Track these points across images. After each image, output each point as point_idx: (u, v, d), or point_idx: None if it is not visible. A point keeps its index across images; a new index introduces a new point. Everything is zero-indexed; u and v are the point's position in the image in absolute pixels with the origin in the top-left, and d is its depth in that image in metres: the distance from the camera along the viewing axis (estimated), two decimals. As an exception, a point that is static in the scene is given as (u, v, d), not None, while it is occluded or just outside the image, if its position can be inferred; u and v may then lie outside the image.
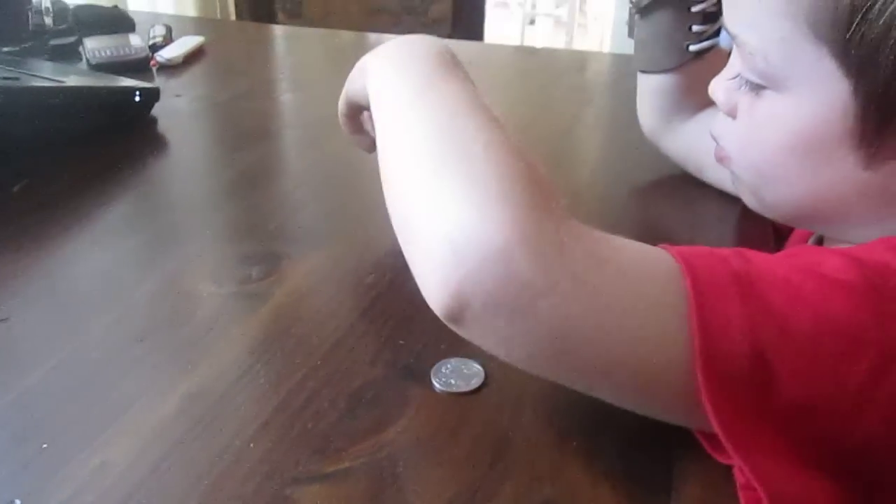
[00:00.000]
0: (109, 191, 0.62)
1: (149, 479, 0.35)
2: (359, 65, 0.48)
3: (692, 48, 0.60)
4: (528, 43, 3.53)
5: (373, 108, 0.44)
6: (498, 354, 0.35)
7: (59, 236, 0.54)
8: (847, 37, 0.36)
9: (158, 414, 0.38)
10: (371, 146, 0.55)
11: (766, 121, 0.43)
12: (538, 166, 0.35)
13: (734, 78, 0.45)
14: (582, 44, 3.36)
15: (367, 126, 0.54)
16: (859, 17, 0.35)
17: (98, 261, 0.52)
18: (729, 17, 0.44)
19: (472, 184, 0.33)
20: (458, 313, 0.32)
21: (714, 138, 0.50)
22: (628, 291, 0.33)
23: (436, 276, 0.33)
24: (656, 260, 0.34)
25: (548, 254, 0.31)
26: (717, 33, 0.60)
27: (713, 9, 0.59)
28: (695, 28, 0.60)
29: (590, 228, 0.34)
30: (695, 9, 0.60)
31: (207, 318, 0.46)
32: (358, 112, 0.53)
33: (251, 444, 0.37)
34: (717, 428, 0.31)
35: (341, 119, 0.54)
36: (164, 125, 0.75)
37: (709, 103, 0.62)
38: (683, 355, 0.31)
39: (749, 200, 0.49)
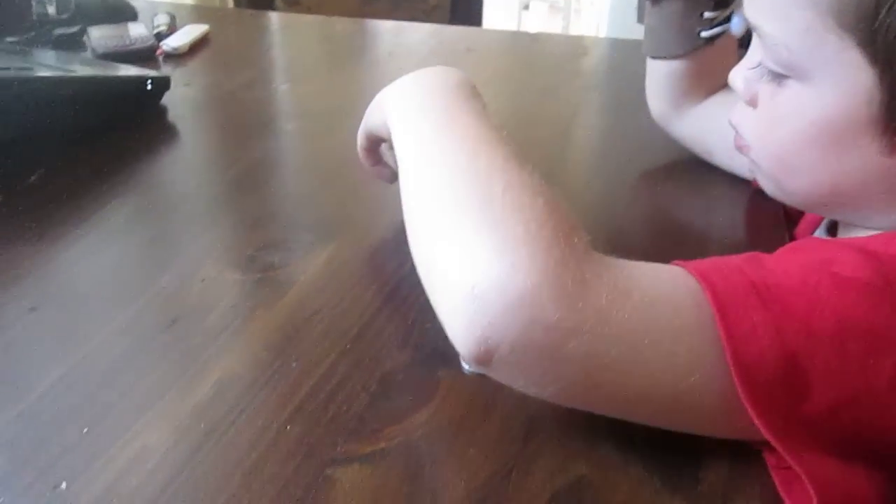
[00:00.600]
0: (125, 180, 0.62)
1: (190, 461, 0.35)
2: (378, 98, 0.48)
3: (703, 34, 0.61)
4: (523, 28, 3.52)
5: (394, 144, 0.44)
6: (528, 392, 0.35)
7: (79, 227, 0.55)
8: (874, 27, 0.36)
9: (193, 399, 0.39)
10: (392, 177, 0.55)
11: (788, 110, 0.43)
12: (558, 202, 0.35)
13: (755, 67, 0.45)
14: (577, 29, 3.35)
15: (387, 158, 0.54)
16: (886, 6, 0.35)
17: (118, 251, 0.53)
18: (750, 7, 0.43)
19: (493, 229, 0.33)
20: (485, 358, 0.32)
21: (733, 126, 0.50)
22: (654, 320, 0.33)
23: (461, 324, 0.33)
24: (675, 282, 0.34)
25: (572, 294, 0.31)
26: (727, 19, 0.61)
27: None
28: (706, 14, 0.61)
29: (610, 260, 0.34)
30: None
31: (234, 304, 0.47)
32: (377, 145, 0.53)
33: (287, 427, 0.37)
34: (766, 433, 0.32)
35: (361, 153, 0.54)
36: (173, 114, 0.75)
37: (718, 88, 0.63)
38: (717, 371, 0.32)
39: (768, 188, 0.49)
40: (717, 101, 0.63)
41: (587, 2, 3.25)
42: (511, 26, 3.41)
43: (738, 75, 0.47)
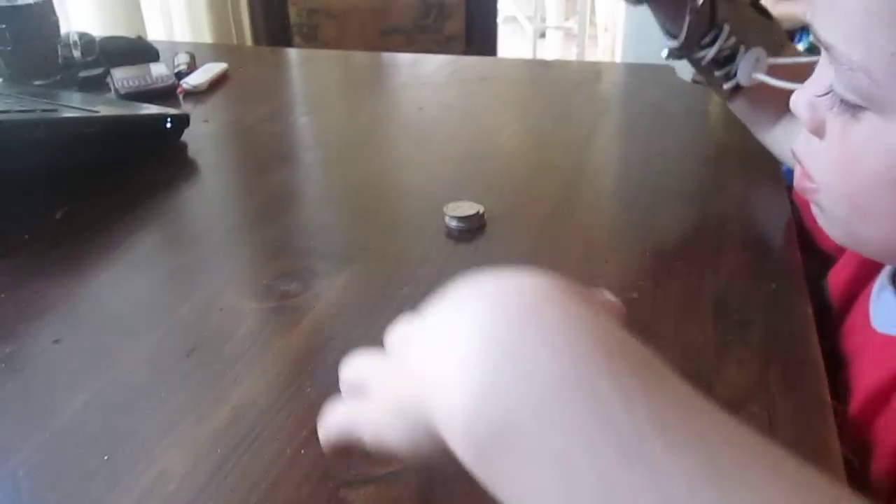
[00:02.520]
0: (146, 215, 0.64)
1: (208, 485, 0.36)
2: (411, 399, 0.26)
3: (725, 87, 0.61)
4: (539, 56, 3.56)
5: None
6: None
7: (102, 260, 0.56)
8: None
9: (211, 425, 0.40)
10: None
11: (864, 147, 0.37)
12: None
13: (824, 94, 0.39)
14: (593, 55, 3.38)
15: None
16: None
17: (140, 283, 0.54)
18: (822, 24, 0.37)
19: None
20: None
21: (796, 158, 0.44)
22: None
23: None
24: None
25: None
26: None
27: (727, 52, 0.60)
28: (717, 73, 0.61)
29: None
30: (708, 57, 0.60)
31: (251, 332, 0.48)
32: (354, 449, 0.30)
33: (302, 451, 0.38)
34: None
35: (326, 449, 0.32)
36: (193, 150, 0.77)
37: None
38: None
39: (837, 235, 0.43)
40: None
41: (601, 28, 3.28)
42: (527, 55, 3.45)
43: (803, 101, 0.41)
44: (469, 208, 0.60)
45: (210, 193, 0.69)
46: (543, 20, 3.69)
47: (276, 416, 0.41)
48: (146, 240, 0.60)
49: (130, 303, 0.52)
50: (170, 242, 0.59)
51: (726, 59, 0.61)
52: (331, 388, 0.42)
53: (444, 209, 0.60)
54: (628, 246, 0.59)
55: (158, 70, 0.95)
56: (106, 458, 0.38)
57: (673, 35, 0.60)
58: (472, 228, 0.59)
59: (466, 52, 1.80)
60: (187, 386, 0.43)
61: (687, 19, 0.58)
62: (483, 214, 0.59)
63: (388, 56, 1.21)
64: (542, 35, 3.76)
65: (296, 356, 0.45)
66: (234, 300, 0.51)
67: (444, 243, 0.58)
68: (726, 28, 0.59)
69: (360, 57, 1.21)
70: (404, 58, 1.18)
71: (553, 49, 3.80)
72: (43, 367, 0.45)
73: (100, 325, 0.49)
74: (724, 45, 0.59)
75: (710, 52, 0.59)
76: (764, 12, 0.62)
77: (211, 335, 0.48)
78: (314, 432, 0.39)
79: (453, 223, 0.59)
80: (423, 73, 1.07)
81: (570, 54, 3.49)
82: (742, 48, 0.59)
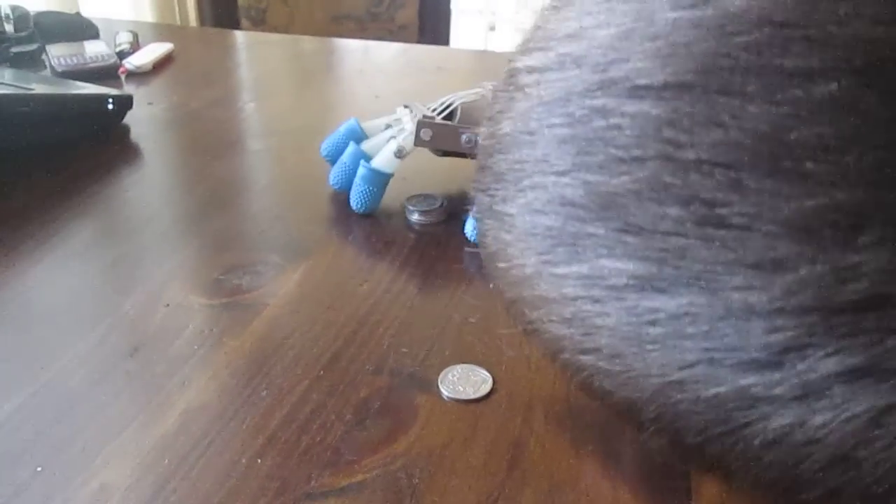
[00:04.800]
0: (84, 202, 0.59)
1: (154, 499, 0.33)
2: None
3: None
4: (490, 48, 3.54)
5: None
6: None
7: (34, 251, 0.52)
8: None
9: (158, 432, 0.37)
10: None
11: None
12: None
13: None
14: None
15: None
16: None
17: (77, 275, 0.50)
18: None
19: None
20: None
21: None
22: None
23: None
24: None
25: None
26: None
27: None
28: None
29: None
30: None
31: (200, 330, 0.45)
32: None
33: (259, 460, 0.35)
34: None
35: None
36: (136, 134, 0.73)
37: None
38: None
39: None
40: None
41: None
42: (478, 46, 3.43)
43: None
44: (431, 201, 0.58)
45: (154, 180, 0.65)
46: (494, 13, 3.67)
47: (230, 422, 0.38)
48: (84, 229, 0.56)
49: (67, 296, 0.48)
50: (110, 232, 0.55)
51: None
52: (288, 391, 0.40)
53: (405, 202, 0.57)
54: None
55: (98, 48, 0.90)
56: (39, 469, 0.35)
57: None
58: (435, 221, 0.57)
59: (419, 42, 1.77)
60: (130, 389, 0.40)
61: None
62: (445, 206, 0.57)
63: (340, 42, 1.18)
64: (493, 28, 3.74)
65: (249, 357, 0.42)
66: (180, 295, 0.48)
67: (406, 237, 0.55)
68: None
69: (312, 42, 1.17)
70: (357, 44, 1.15)
71: (504, 42, 3.79)
72: (-32, 367, 0.41)
73: (33, 320, 0.45)
74: None
75: None
76: None
77: (156, 333, 0.44)
78: (271, 439, 0.37)
79: (415, 216, 0.57)
80: (377, 60, 1.04)
81: (521, 48, 3.47)
82: None
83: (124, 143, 0.71)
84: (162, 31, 1.27)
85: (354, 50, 1.12)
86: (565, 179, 0.27)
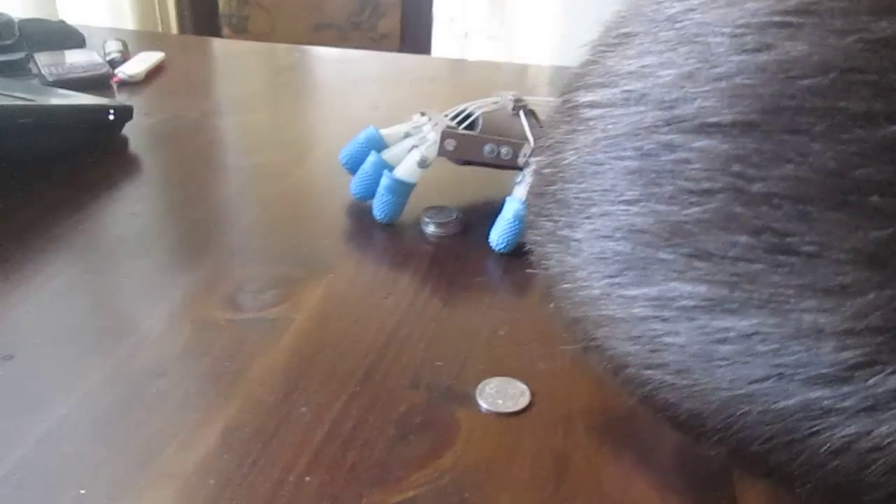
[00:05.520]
0: (91, 216, 0.58)
1: (206, 522, 0.33)
2: None
3: None
4: (465, 57, 3.55)
5: None
6: None
7: (48, 266, 0.51)
8: None
9: (199, 452, 0.36)
10: None
11: None
12: None
13: None
14: (522, 56, 3.40)
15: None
16: None
17: (95, 291, 0.49)
18: None
19: None
20: None
21: None
22: None
23: None
24: None
25: None
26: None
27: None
28: None
29: None
30: None
31: (230, 346, 0.44)
32: None
33: (307, 478, 0.35)
34: None
35: None
36: (136, 145, 0.72)
37: None
38: None
39: None
40: None
41: (526, 30, 3.32)
42: (454, 54, 3.44)
43: None
44: (447, 213, 0.58)
45: (160, 193, 0.64)
46: (466, 20, 3.69)
47: (271, 439, 0.37)
48: (92, 245, 0.55)
49: (85, 315, 0.47)
50: (120, 248, 0.54)
51: None
52: (327, 407, 0.40)
53: (422, 213, 0.58)
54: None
55: (89, 57, 0.88)
56: (82, 492, 0.34)
57: None
58: (451, 233, 0.57)
59: (401, 51, 1.77)
60: (164, 408, 0.39)
61: None
62: (461, 218, 0.57)
63: (332, 52, 1.17)
64: (466, 35, 3.76)
65: (283, 373, 0.42)
66: (206, 311, 0.47)
67: (423, 249, 0.55)
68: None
69: (303, 51, 1.17)
70: (350, 54, 1.14)
71: (477, 50, 3.80)
72: (-6, 388, 0.40)
73: (56, 339, 0.44)
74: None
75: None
76: None
77: (185, 351, 0.44)
78: (316, 456, 0.36)
79: (430, 228, 0.57)
80: (370, 70, 1.04)
81: (500, 55, 3.50)
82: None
83: (124, 156, 0.69)
84: (144, 38, 1.25)
85: (336, 59, 1.12)
86: (634, 209, 0.28)
